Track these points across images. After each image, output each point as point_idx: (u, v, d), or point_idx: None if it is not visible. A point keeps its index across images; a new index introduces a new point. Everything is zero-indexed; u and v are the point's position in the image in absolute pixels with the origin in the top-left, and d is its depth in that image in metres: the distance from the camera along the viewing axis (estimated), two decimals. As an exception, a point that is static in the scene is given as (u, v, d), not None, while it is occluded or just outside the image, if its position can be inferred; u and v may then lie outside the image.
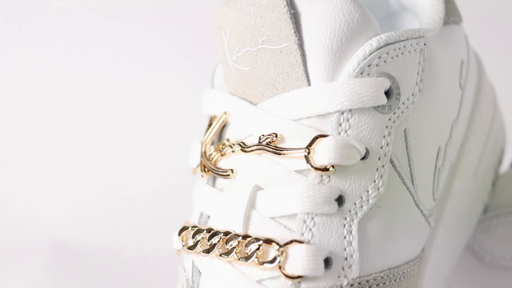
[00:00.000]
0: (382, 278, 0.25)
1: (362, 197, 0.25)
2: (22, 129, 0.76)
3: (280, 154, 0.25)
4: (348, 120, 0.25)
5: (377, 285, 0.25)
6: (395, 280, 0.26)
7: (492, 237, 0.38)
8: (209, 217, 0.27)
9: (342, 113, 0.25)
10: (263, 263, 0.24)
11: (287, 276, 0.24)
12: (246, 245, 0.25)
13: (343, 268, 0.25)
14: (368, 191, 0.25)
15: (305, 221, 0.25)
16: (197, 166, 0.29)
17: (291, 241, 0.24)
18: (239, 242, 0.25)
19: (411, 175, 0.27)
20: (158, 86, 0.75)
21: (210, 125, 0.28)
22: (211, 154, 0.28)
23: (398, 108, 0.26)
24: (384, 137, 0.26)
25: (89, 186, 0.73)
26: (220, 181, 0.27)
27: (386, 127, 0.26)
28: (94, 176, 0.74)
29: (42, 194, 0.73)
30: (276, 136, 0.26)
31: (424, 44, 0.28)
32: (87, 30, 0.76)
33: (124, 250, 0.64)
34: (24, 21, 0.76)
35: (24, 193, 0.73)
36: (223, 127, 0.28)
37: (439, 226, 0.30)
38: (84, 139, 0.76)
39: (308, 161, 0.25)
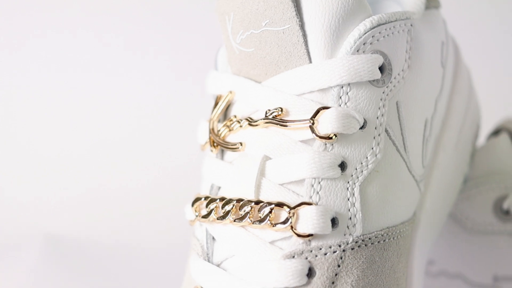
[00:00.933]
0: (382, 236, 0.28)
1: (362, 163, 0.28)
2: (15, 123, 0.77)
3: (286, 126, 0.28)
4: (347, 93, 0.28)
5: (378, 242, 0.28)
6: (393, 238, 0.29)
7: (472, 205, 0.41)
8: (219, 188, 0.29)
9: (342, 87, 0.28)
10: (275, 224, 0.27)
11: (298, 235, 0.26)
12: (259, 210, 0.27)
13: (348, 227, 0.27)
14: (367, 157, 0.28)
15: (312, 185, 0.27)
16: (206, 143, 0.31)
17: (301, 204, 0.27)
18: (252, 207, 0.27)
19: (404, 143, 0.30)
20: (155, 77, 0.76)
21: (216, 104, 0.30)
22: (219, 130, 0.30)
23: (390, 82, 0.29)
24: (379, 108, 0.28)
25: (82, 180, 0.74)
26: (228, 154, 0.30)
27: (381, 99, 0.29)
28: (87, 170, 0.74)
29: (35, 187, 0.73)
30: (282, 110, 0.28)
31: (411, 25, 0.30)
32: (85, 25, 0.77)
33: (117, 243, 0.65)
34: (26, 22, 0.77)
35: (17, 186, 0.74)
36: (228, 106, 0.31)
37: (427, 193, 0.33)
38: (77, 133, 0.76)
39: (313, 131, 0.27)
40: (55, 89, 0.76)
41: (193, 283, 0.29)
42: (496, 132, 0.43)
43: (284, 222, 0.26)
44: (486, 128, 0.44)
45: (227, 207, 0.28)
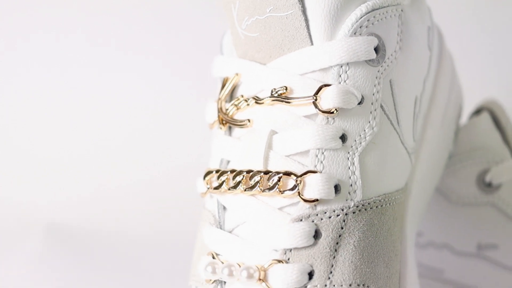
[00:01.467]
0: (379, 201, 0.31)
1: (360, 135, 0.31)
2: (16, 114, 0.78)
3: (290, 103, 0.30)
4: (346, 72, 0.31)
5: (376, 207, 0.30)
6: (389, 204, 0.31)
7: (457, 179, 0.44)
8: (228, 162, 0.32)
9: (341, 66, 0.30)
10: (284, 191, 0.29)
11: (305, 201, 0.29)
12: (268, 179, 0.30)
13: (349, 192, 0.30)
14: (365, 130, 0.31)
15: (316, 156, 0.30)
16: (214, 122, 0.33)
17: (307, 172, 0.29)
18: (261, 177, 0.30)
19: (397, 118, 0.32)
20: (157, 71, 0.77)
21: (223, 85, 0.33)
22: (227, 109, 0.32)
23: (384, 62, 0.32)
24: (375, 86, 0.31)
25: (83, 171, 0.75)
26: (236, 131, 0.32)
27: (376, 77, 0.31)
28: (88, 161, 0.76)
29: (36, 180, 0.75)
30: (286, 89, 0.31)
31: (401, 11, 0.33)
32: (84, 22, 0.78)
33: (117, 234, 0.66)
34: (25, 21, 0.78)
35: (18, 179, 0.75)
36: (235, 88, 0.33)
37: (417, 165, 0.36)
38: (78, 125, 0.77)
39: (316, 106, 0.30)
40: (57, 85, 0.78)
41: (206, 250, 0.31)
42: (477, 112, 0.46)
43: (292, 189, 0.29)
44: (468, 109, 0.47)
45: (238, 178, 0.30)
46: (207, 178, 0.32)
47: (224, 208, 0.31)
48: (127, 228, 0.67)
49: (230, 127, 0.32)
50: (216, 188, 0.31)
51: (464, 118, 0.46)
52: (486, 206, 0.43)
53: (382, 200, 0.31)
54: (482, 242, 0.43)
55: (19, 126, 0.78)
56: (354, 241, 0.29)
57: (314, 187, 0.29)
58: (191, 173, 0.66)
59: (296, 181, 0.29)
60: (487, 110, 0.44)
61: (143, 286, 0.55)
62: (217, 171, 0.31)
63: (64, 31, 0.77)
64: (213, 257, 0.30)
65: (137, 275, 0.57)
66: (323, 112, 0.30)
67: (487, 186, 0.43)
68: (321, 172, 0.29)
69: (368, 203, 0.30)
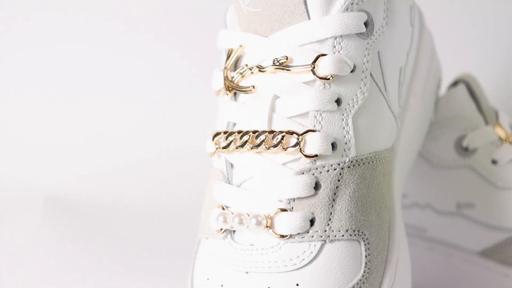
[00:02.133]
0: (371, 158, 0.34)
1: (353, 99, 0.34)
2: (19, 87, 0.80)
3: (291, 71, 0.34)
4: (340, 43, 0.34)
5: (368, 163, 0.34)
6: (379, 161, 0.35)
7: (437, 144, 0.47)
8: (235, 124, 0.35)
9: (335, 38, 0.34)
10: (287, 148, 0.33)
11: (306, 156, 0.33)
12: (273, 138, 0.33)
13: (344, 150, 0.33)
14: (357, 95, 0.34)
15: (315, 117, 0.33)
16: (220, 89, 0.36)
17: (307, 131, 0.33)
18: (266, 136, 0.33)
19: (385, 85, 0.36)
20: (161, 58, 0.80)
21: (228, 56, 0.36)
22: (232, 77, 0.36)
23: (373, 35, 0.35)
24: (365, 56, 0.35)
25: (83, 142, 0.77)
26: (241, 97, 0.35)
27: (366, 49, 0.35)
28: (88, 132, 0.78)
29: (37, 150, 0.77)
30: (287, 58, 0.34)
31: None
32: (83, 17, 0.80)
33: (118, 204, 0.69)
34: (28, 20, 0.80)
35: (19, 148, 0.77)
36: (239, 59, 0.36)
37: (402, 129, 0.40)
38: (80, 97, 0.79)
39: (314, 73, 0.33)
40: (61, 62, 0.80)
41: (216, 204, 0.34)
42: (454, 84, 0.49)
43: (294, 146, 0.33)
44: (446, 82, 0.51)
45: (245, 138, 0.34)
46: (215, 139, 0.35)
47: (232, 165, 0.35)
48: (126, 201, 0.70)
49: (235, 94, 0.36)
50: (224, 147, 0.34)
51: (443, 90, 0.50)
52: (463, 169, 0.47)
53: (373, 157, 0.35)
54: (461, 202, 0.47)
55: (21, 100, 0.80)
56: (350, 192, 0.33)
57: (314, 144, 0.33)
58: (190, 143, 0.69)
59: (298, 139, 0.33)
60: (463, 82, 0.48)
61: (142, 257, 0.57)
62: (225, 132, 0.35)
63: (66, 27, 0.80)
64: (223, 209, 0.34)
65: (135, 245, 0.60)
66: (320, 78, 0.33)
67: (464, 151, 0.47)
68: (319, 131, 0.33)
69: (361, 159, 0.34)
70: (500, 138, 0.46)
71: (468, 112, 0.47)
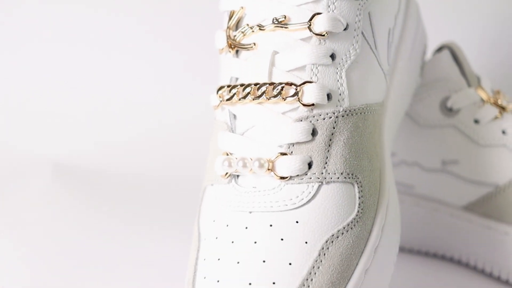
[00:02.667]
0: (363, 109, 0.37)
1: (346, 55, 0.37)
2: (30, 55, 0.82)
3: (289, 28, 0.37)
4: (334, 3, 0.37)
5: (360, 113, 0.37)
6: (370, 113, 0.38)
7: (423, 105, 0.50)
8: (237, 79, 0.38)
9: None
10: (286, 98, 0.36)
11: (304, 105, 0.35)
12: (273, 89, 0.36)
13: (338, 100, 0.36)
14: (349, 51, 0.37)
15: (312, 70, 0.36)
16: (223, 48, 0.39)
17: (305, 82, 0.36)
18: (267, 87, 0.36)
19: (375, 44, 0.39)
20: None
21: (230, 17, 0.39)
22: (235, 36, 0.38)
23: None
24: (357, 16, 0.38)
25: (92, 113, 0.80)
26: (243, 54, 0.38)
27: (358, 9, 0.38)
28: (97, 103, 0.80)
29: (47, 119, 0.79)
30: (285, 17, 0.37)
31: None
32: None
33: (124, 173, 0.72)
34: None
35: (30, 117, 0.79)
36: (240, 19, 0.39)
37: (391, 87, 0.43)
38: (89, 66, 0.82)
39: (310, 30, 0.36)
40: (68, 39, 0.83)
41: (221, 151, 0.37)
42: (439, 49, 0.52)
43: (293, 96, 0.36)
44: (431, 48, 0.54)
45: (247, 90, 0.36)
46: (219, 92, 0.38)
47: (235, 116, 0.37)
48: (131, 170, 0.73)
49: (237, 51, 0.38)
50: (228, 99, 0.37)
51: (429, 55, 0.53)
52: (448, 128, 0.50)
53: (365, 109, 0.38)
54: (446, 159, 0.50)
55: (32, 70, 0.82)
56: (344, 139, 0.36)
57: (311, 93, 0.35)
58: (194, 114, 0.72)
59: (296, 89, 0.36)
60: (447, 48, 0.51)
61: (147, 222, 0.59)
62: (228, 86, 0.38)
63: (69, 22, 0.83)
64: (228, 155, 0.37)
65: (141, 212, 0.62)
66: (316, 34, 0.36)
67: (448, 111, 0.50)
68: (316, 82, 0.36)
69: (354, 110, 0.37)
70: (482, 100, 0.49)
71: (452, 75, 0.50)
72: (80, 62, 0.82)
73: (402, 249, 0.52)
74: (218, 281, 0.34)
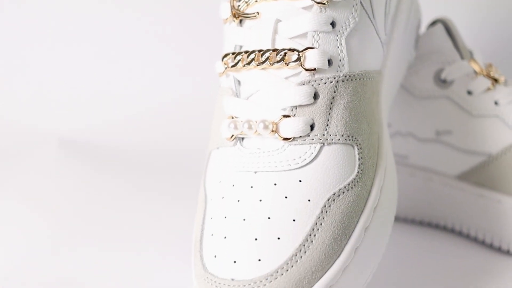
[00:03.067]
0: (361, 75, 0.39)
1: (345, 23, 0.39)
2: (36, 31, 0.83)
3: None
4: None
5: (359, 79, 0.39)
6: (368, 79, 0.40)
7: (418, 77, 0.52)
8: (241, 47, 0.39)
9: None
10: (289, 63, 0.37)
11: (306, 70, 0.37)
12: (276, 55, 0.37)
13: (339, 66, 0.38)
14: (349, 19, 0.39)
15: (313, 36, 0.38)
16: (227, 18, 0.41)
17: (306, 48, 0.37)
18: (270, 53, 0.37)
19: (373, 13, 0.41)
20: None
21: (234, -11, 0.41)
22: (239, 5, 0.40)
23: None
24: None
25: (98, 89, 0.81)
26: (247, 23, 0.39)
27: None
28: (102, 80, 0.81)
29: (54, 95, 0.80)
30: None
31: None
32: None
33: (129, 144, 0.73)
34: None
35: (37, 93, 0.81)
36: None
37: (388, 56, 0.44)
38: (94, 45, 0.83)
39: None
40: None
41: (226, 115, 0.39)
42: (433, 23, 0.54)
43: (295, 61, 0.37)
44: (425, 23, 0.55)
45: (251, 56, 0.38)
46: (224, 59, 0.39)
47: (239, 82, 0.39)
48: (135, 145, 0.74)
49: (241, 21, 0.40)
50: (233, 66, 0.39)
51: (423, 29, 0.55)
52: (442, 99, 0.51)
53: (363, 75, 0.39)
54: (440, 129, 0.51)
55: (39, 45, 0.83)
56: (344, 102, 0.38)
57: (312, 59, 0.37)
58: (197, 91, 0.73)
59: (299, 55, 0.37)
60: (441, 22, 0.53)
61: (153, 190, 0.61)
62: (233, 53, 0.39)
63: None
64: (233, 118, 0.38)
65: (146, 181, 0.64)
66: (317, 3, 0.38)
67: (442, 82, 0.51)
68: (317, 48, 0.38)
69: (353, 75, 0.38)
70: (475, 71, 0.51)
71: (445, 48, 0.52)
72: (87, 37, 0.83)
73: (397, 219, 0.54)
74: (225, 238, 0.35)
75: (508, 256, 0.48)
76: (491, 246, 0.50)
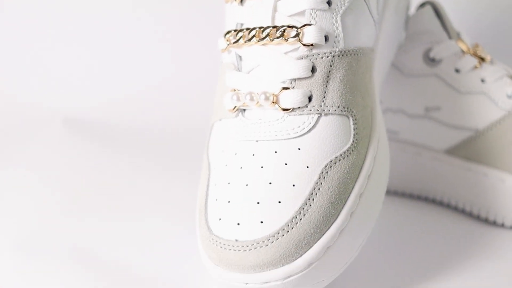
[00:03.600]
0: (356, 51, 0.41)
1: (341, 1, 0.41)
2: (43, 12, 0.85)
3: None
4: None
5: (353, 54, 0.41)
6: (362, 55, 0.42)
7: (408, 56, 0.54)
8: (242, 24, 0.42)
9: None
10: (288, 39, 0.39)
11: (304, 45, 0.39)
12: (276, 31, 0.40)
13: (335, 42, 0.40)
14: None
15: (311, 14, 0.40)
16: (229, -3, 0.43)
17: (305, 25, 0.39)
18: (270, 30, 0.40)
19: None
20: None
21: (235, -32, 0.43)
22: (240, -15, 0.42)
23: None
24: None
25: (101, 69, 0.83)
26: (247, 2, 0.41)
27: None
28: (105, 60, 0.83)
29: (58, 75, 0.82)
30: None
31: None
32: None
33: (132, 122, 0.75)
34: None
35: (42, 73, 0.82)
36: None
37: (380, 34, 0.46)
38: (99, 26, 0.84)
39: None
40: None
41: (229, 88, 0.41)
42: (422, 5, 0.56)
43: (294, 37, 0.39)
44: (414, 5, 0.58)
45: (252, 32, 0.40)
46: (227, 36, 0.42)
47: (241, 58, 0.41)
48: (138, 123, 0.76)
49: (242, 0, 0.42)
50: (234, 42, 0.41)
51: (412, 10, 0.57)
52: (431, 77, 0.53)
53: (357, 51, 0.41)
54: (429, 106, 0.54)
55: (45, 26, 0.85)
56: (340, 76, 0.40)
57: (310, 34, 0.39)
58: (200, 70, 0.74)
59: (297, 31, 0.39)
60: (430, 4, 0.55)
61: (154, 167, 0.63)
62: (235, 30, 0.41)
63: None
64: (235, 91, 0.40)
65: (148, 157, 0.66)
66: None
67: (431, 61, 0.54)
68: (314, 25, 0.40)
69: (348, 51, 0.41)
70: (462, 51, 0.53)
71: (434, 28, 0.54)
72: (92, 18, 0.85)
73: (388, 192, 0.56)
74: (229, 202, 0.37)
75: (494, 227, 0.51)
76: (478, 217, 0.52)
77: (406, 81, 0.54)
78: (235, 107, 0.40)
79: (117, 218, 0.50)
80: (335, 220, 0.37)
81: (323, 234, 0.36)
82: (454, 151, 0.53)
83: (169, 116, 0.77)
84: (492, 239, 0.49)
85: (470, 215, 0.53)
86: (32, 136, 0.71)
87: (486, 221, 0.51)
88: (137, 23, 0.85)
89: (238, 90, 0.40)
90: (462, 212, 0.53)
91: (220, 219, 0.37)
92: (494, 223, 0.51)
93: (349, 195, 0.38)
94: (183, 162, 0.62)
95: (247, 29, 0.41)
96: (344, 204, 0.38)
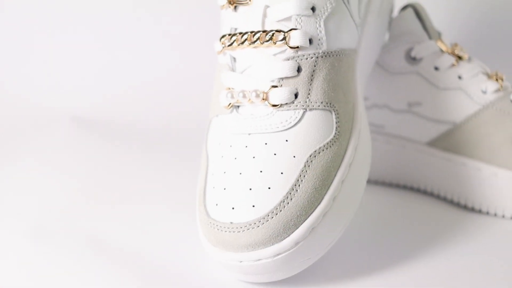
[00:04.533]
0: (338, 52, 0.45)
1: (324, 8, 0.45)
2: (47, 12, 0.87)
3: None
4: None
5: (336, 55, 0.45)
6: (344, 56, 0.46)
7: (391, 55, 0.58)
8: (236, 29, 0.46)
9: None
10: (276, 42, 0.44)
11: (290, 47, 0.43)
12: (265, 35, 0.44)
13: (318, 44, 0.44)
14: (327, 4, 0.45)
15: (296, 19, 0.44)
16: (223, 5, 0.47)
17: (291, 29, 0.44)
18: (260, 34, 0.44)
19: (348, 0, 0.47)
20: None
21: (228, -21, 0.47)
22: (234, -7, 0.46)
23: None
24: None
25: (107, 68, 0.85)
26: (240, 9, 0.45)
27: None
28: (112, 59, 0.86)
29: (66, 74, 0.85)
30: None
31: None
32: None
33: (136, 120, 0.78)
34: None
35: (50, 73, 0.85)
36: None
37: (362, 37, 0.51)
38: (103, 24, 0.86)
39: None
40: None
41: (224, 87, 0.45)
42: (404, 8, 0.60)
43: (281, 40, 0.44)
44: (398, 7, 0.61)
45: (245, 36, 0.44)
46: (222, 40, 0.46)
47: (235, 59, 0.45)
48: (142, 121, 0.79)
49: (235, 7, 0.46)
50: (229, 45, 0.45)
51: (395, 13, 0.61)
52: (412, 74, 0.57)
53: (340, 52, 0.46)
54: (411, 101, 0.57)
55: (51, 26, 0.87)
56: (323, 75, 0.44)
57: (296, 38, 0.43)
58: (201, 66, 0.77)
59: (284, 35, 0.44)
60: (411, 7, 0.59)
61: (157, 161, 0.66)
62: (229, 34, 0.46)
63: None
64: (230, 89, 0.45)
65: (152, 153, 0.69)
66: None
67: (412, 60, 0.57)
68: (300, 29, 0.44)
69: (331, 52, 0.45)
70: (441, 50, 0.57)
71: (415, 29, 0.57)
72: (98, 18, 0.87)
73: (375, 182, 0.60)
74: (224, 189, 0.42)
75: (472, 213, 0.54)
76: (457, 204, 0.55)
77: (390, 78, 0.58)
78: (229, 104, 0.44)
79: (125, 209, 0.54)
80: (319, 204, 0.41)
81: (308, 216, 0.40)
82: (434, 143, 0.56)
83: (172, 113, 0.80)
84: (471, 224, 0.52)
85: (450, 202, 0.56)
86: (40, 134, 0.73)
87: (465, 207, 0.55)
88: (141, 22, 0.87)
89: (232, 88, 0.44)
90: (444, 200, 0.56)
91: (217, 204, 0.41)
92: (472, 209, 0.54)
93: (332, 182, 0.42)
94: (186, 156, 0.66)
95: (240, 33, 0.45)
96: (327, 190, 0.42)
